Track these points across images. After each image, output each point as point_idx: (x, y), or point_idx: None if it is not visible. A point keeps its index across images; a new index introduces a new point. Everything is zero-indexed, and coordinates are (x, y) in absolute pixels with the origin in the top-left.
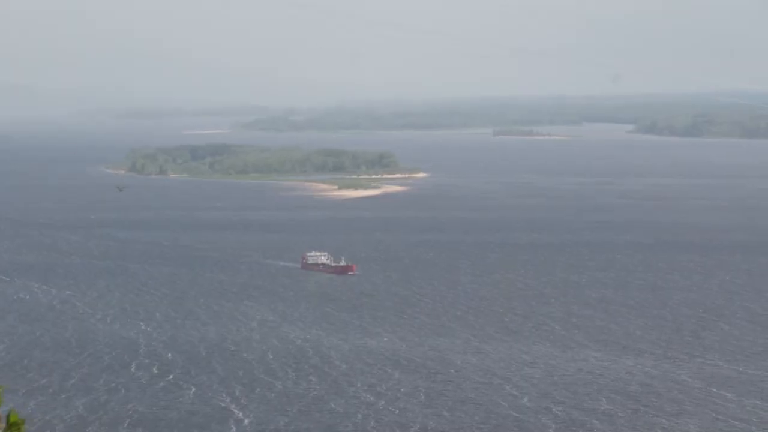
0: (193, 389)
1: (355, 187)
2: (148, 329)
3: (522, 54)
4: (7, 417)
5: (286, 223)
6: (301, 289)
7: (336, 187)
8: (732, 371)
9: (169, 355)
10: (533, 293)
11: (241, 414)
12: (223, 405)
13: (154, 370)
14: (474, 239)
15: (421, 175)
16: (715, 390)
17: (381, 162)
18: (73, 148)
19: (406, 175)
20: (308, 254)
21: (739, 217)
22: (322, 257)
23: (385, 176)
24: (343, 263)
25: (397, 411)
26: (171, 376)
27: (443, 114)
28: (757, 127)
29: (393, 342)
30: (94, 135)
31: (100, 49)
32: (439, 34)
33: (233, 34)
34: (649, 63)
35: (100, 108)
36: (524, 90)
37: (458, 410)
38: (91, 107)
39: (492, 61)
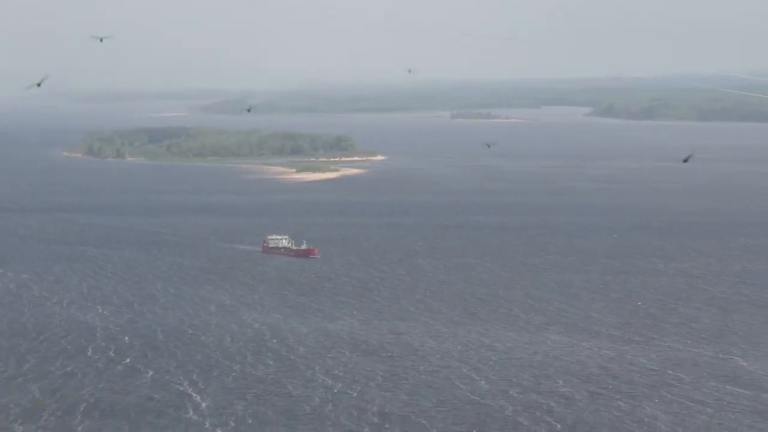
0: (151, 373)
1: (313, 170)
2: (106, 313)
3: (484, 39)
4: None
5: (244, 206)
6: (261, 273)
7: (294, 170)
8: (689, 353)
9: (126, 339)
10: (493, 277)
11: (198, 398)
12: (180, 389)
13: (111, 354)
14: (434, 222)
15: (379, 157)
16: (671, 372)
17: (339, 145)
18: (29, 131)
19: (364, 158)
20: (269, 238)
21: (700, 200)
22: (283, 241)
23: (342, 159)
24: (304, 247)
25: (354, 394)
26: (128, 360)
27: (400, 98)
28: (712, 110)
29: (352, 325)
30: (50, 118)
31: (59, 31)
32: (404, 20)
33: (192, 15)
34: (609, 46)
35: (56, 91)
36: (483, 74)
37: (416, 393)
38: (46, 90)
39: (451, 45)
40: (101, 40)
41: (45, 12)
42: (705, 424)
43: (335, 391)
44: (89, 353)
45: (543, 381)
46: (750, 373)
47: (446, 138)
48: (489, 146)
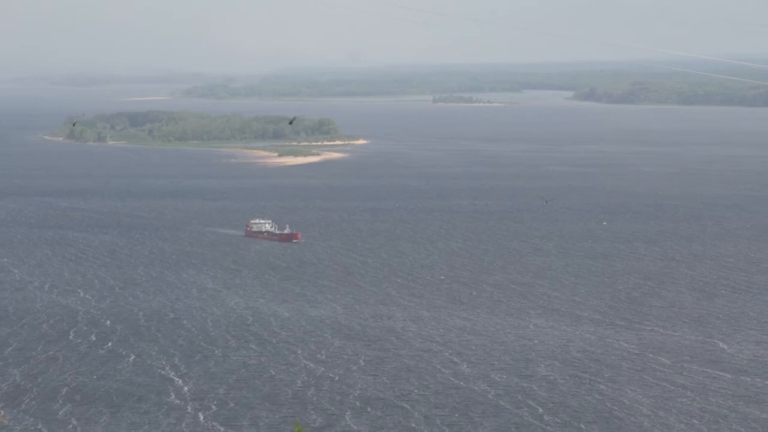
0: (133, 357)
1: (296, 154)
2: (87, 297)
3: (465, 22)
4: None
5: (227, 190)
6: (244, 257)
7: (276, 154)
8: (670, 337)
9: (108, 323)
10: (475, 261)
11: (180, 382)
12: (162, 373)
13: (93, 338)
14: (416, 206)
15: (361, 142)
16: (652, 356)
17: (321, 129)
18: (9, 115)
19: (346, 142)
20: (252, 222)
21: (681, 184)
22: (267, 225)
23: (325, 143)
24: (287, 231)
25: (337, 378)
26: (110, 344)
27: (382, 82)
28: (695, 93)
29: (334, 310)
30: (31, 102)
31: (34, 14)
32: (385, 3)
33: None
34: (589, 31)
35: (37, 75)
36: (465, 59)
37: (398, 377)
38: (26, 74)
39: (432, 29)
40: (291, 122)
41: None
42: (686, 407)
43: (317, 375)
44: (71, 337)
45: (525, 365)
46: (731, 356)
47: (428, 122)
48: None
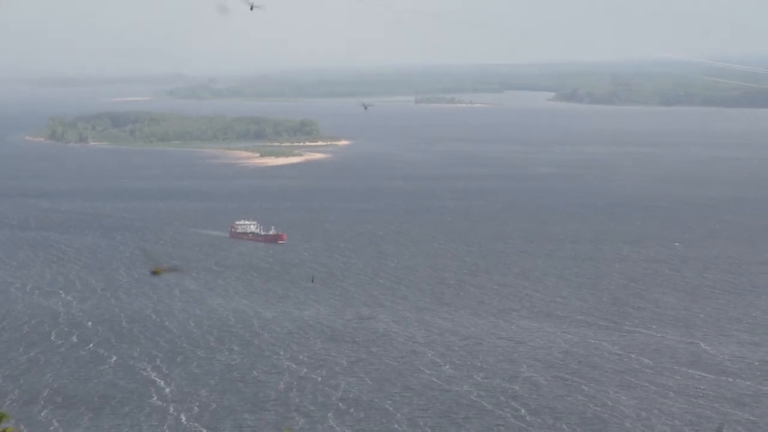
0: (114, 359)
1: (277, 154)
2: (69, 299)
3: (444, 22)
4: None
5: (210, 191)
6: (228, 258)
7: (258, 154)
8: (653, 338)
9: (90, 324)
10: (459, 262)
11: (162, 383)
12: (144, 375)
13: (75, 339)
14: (400, 208)
15: (344, 142)
16: (635, 357)
17: (303, 129)
18: None
19: (328, 143)
20: (237, 223)
21: (664, 185)
22: (252, 226)
23: (307, 144)
24: (273, 232)
25: (320, 379)
26: (91, 346)
27: (365, 83)
28: (677, 95)
29: (318, 311)
30: (13, 103)
31: (17, 16)
32: (369, 4)
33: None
34: (573, 30)
35: (19, 76)
36: (447, 59)
37: (381, 378)
38: (8, 75)
39: (414, 29)
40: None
41: None
42: (669, 408)
43: (300, 376)
44: (52, 339)
45: (508, 366)
46: (713, 357)
47: (411, 122)
48: None
